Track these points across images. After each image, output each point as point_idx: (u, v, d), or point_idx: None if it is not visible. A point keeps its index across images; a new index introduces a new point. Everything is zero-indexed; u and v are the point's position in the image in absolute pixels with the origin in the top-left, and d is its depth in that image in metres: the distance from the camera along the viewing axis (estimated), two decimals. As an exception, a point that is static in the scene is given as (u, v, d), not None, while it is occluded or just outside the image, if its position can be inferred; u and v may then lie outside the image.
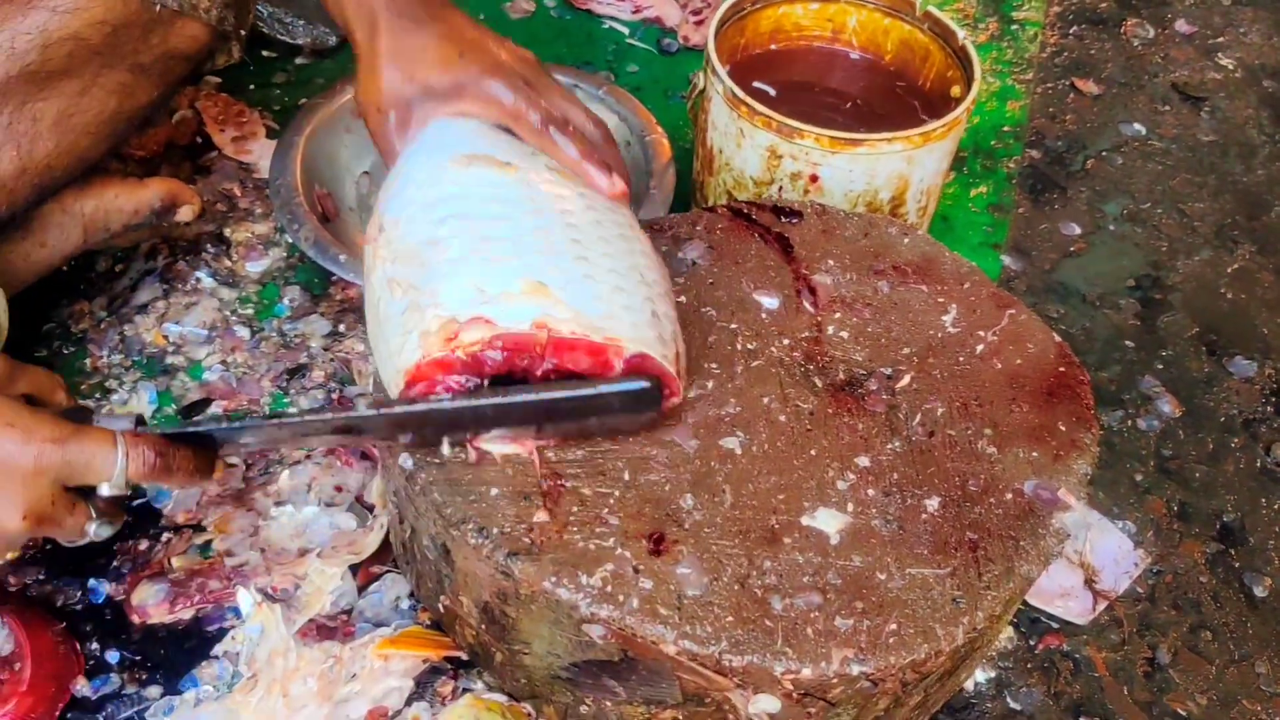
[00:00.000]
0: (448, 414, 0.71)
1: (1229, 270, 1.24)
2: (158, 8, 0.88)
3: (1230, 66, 1.50)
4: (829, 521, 0.73)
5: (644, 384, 0.71)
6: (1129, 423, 1.08)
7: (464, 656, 0.83)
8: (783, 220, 0.90)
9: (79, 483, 0.69)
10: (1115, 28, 1.55)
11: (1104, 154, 1.36)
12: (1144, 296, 1.20)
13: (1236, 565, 0.99)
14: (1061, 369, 0.82)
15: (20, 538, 0.69)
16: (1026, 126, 1.38)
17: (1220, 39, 1.54)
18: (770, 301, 0.85)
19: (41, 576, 0.88)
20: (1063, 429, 0.79)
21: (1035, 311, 1.14)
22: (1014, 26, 1.52)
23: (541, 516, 0.71)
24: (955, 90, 1.07)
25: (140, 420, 0.72)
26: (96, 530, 0.72)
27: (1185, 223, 1.29)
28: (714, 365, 0.80)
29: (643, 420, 0.74)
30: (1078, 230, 1.26)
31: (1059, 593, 0.94)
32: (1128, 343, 1.15)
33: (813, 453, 0.76)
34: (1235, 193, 1.33)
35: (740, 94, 0.98)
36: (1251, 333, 1.17)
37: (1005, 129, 1.37)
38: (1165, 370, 1.13)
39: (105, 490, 0.70)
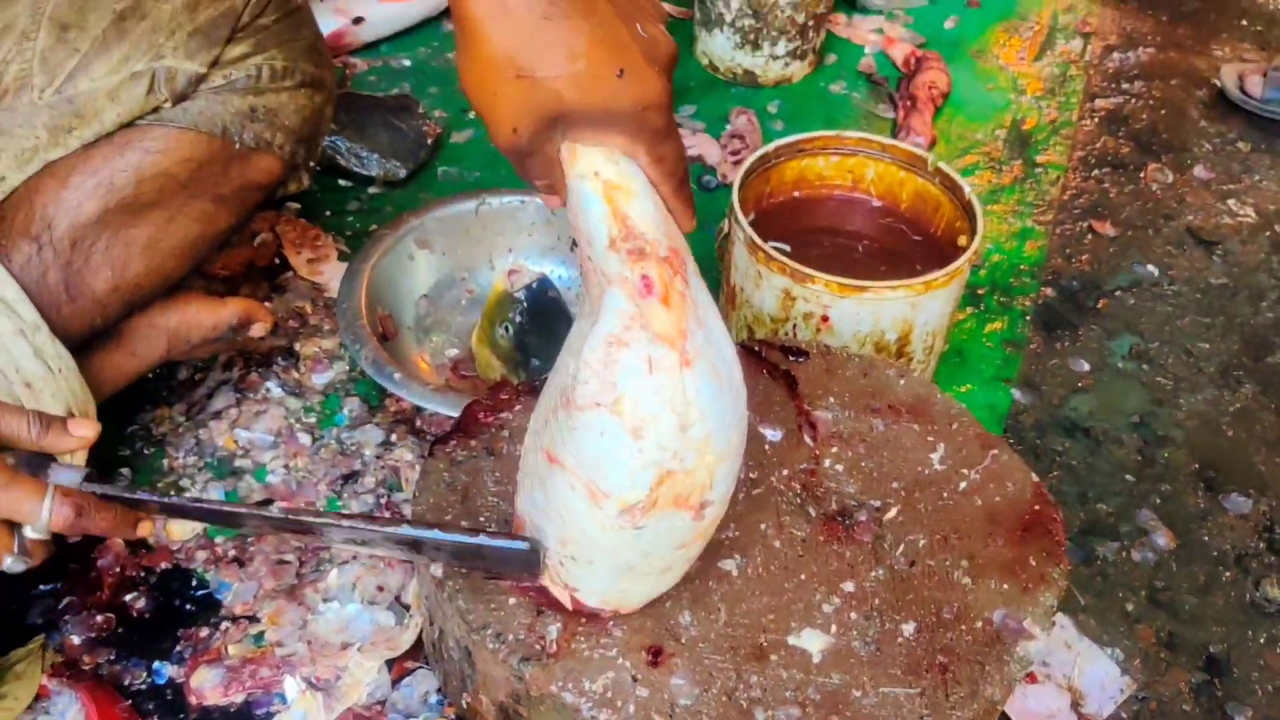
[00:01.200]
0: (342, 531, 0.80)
1: (1231, 409, 1.30)
2: (237, 145, 1.01)
3: (1245, 212, 1.57)
4: (813, 641, 0.81)
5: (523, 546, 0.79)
6: (1124, 554, 1.14)
7: (484, 749, 0.91)
8: (790, 359, 1.00)
9: (10, 519, 0.80)
10: (1136, 172, 1.63)
11: (1116, 294, 1.44)
12: (1147, 432, 1.27)
13: (1220, 695, 1.04)
14: (1037, 507, 0.90)
15: None
16: (1044, 266, 1.47)
17: (1236, 185, 1.62)
18: (773, 434, 0.94)
19: (112, 657, 0.98)
20: (1033, 563, 0.86)
21: (1041, 445, 1.23)
22: (1038, 170, 1.62)
23: (553, 626, 0.80)
24: (962, 240, 1.17)
25: (90, 474, 0.83)
26: (10, 564, 0.82)
27: (1191, 362, 1.36)
28: (717, 493, 0.89)
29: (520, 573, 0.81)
30: (1086, 367, 1.34)
31: (1045, 714, 1.00)
32: (1128, 476, 1.22)
33: (802, 577, 0.85)
34: (1242, 334, 1.40)
35: (758, 240, 1.08)
36: (1249, 470, 1.23)
37: (1023, 268, 1.46)
38: (1163, 504, 1.19)
39: (29, 532, 0.81)
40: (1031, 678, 1.02)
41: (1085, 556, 1.14)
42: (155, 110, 0.96)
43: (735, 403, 0.74)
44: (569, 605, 0.79)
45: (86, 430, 0.86)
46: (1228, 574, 1.14)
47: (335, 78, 1.12)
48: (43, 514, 0.79)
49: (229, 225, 1.04)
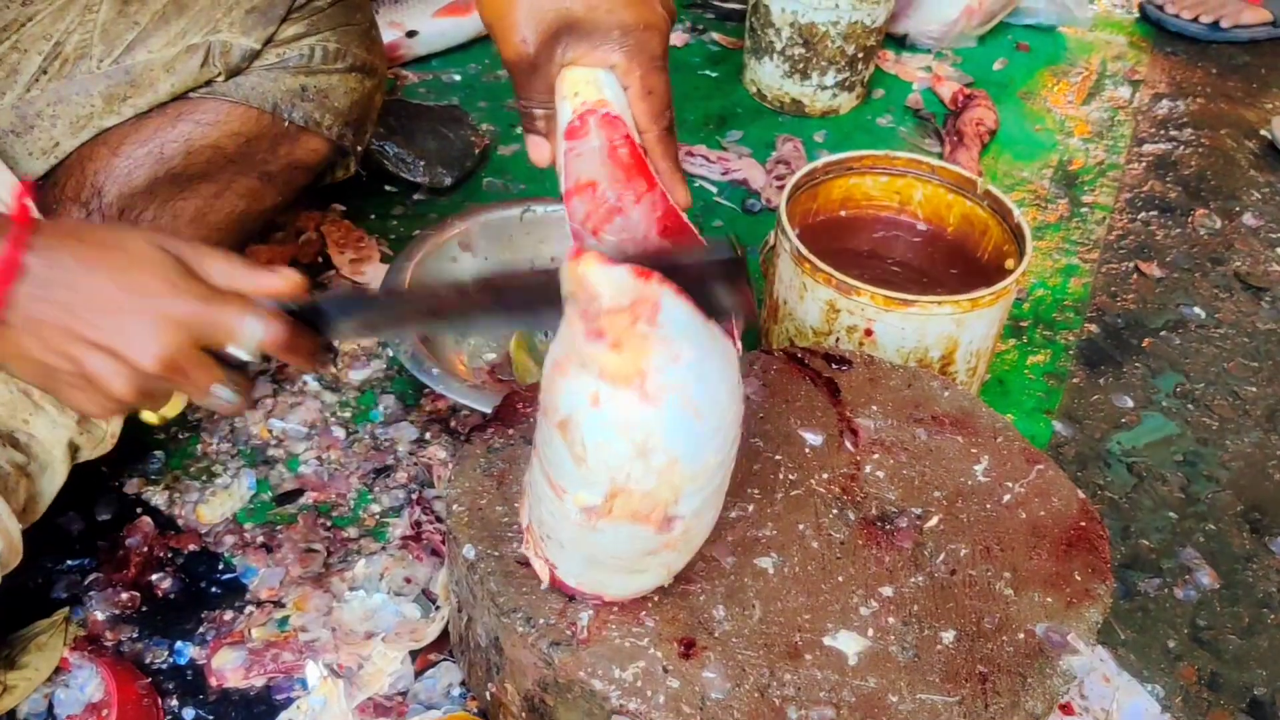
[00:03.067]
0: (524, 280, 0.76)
1: (1278, 453, 1.28)
2: (286, 123, 1.02)
3: (1294, 260, 1.56)
4: (849, 643, 0.79)
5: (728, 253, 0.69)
6: (1166, 590, 1.12)
7: (505, 744, 0.89)
8: (833, 367, 0.98)
9: (214, 341, 0.71)
10: (1183, 216, 1.62)
11: (1162, 334, 1.42)
12: (1191, 471, 1.24)
13: (1264, 738, 1.01)
14: (1083, 523, 0.88)
15: (150, 382, 0.71)
16: (1088, 302, 1.45)
17: (1286, 234, 1.61)
18: (814, 438, 0.92)
19: (134, 635, 0.98)
20: (1078, 578, 0.84)
21: (1082, 477, 1.21)
22: (1084, 209, 1.60)
23: (585, 614, 0.78)
24: (1009, 263, 1.15)
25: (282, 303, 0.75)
26: (223, 393, 0.73)
27: (1237, 405, 1.33)
28: (756, 491, 0.88)
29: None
30: (1130, 403, 1.32)
31: (1082, 747, 0.97)
32: (1171, 514, 1.19)
33: (840, 579, 0.83)
34: (1290, 380, 1.37)
35: (804, 251, 1.08)
36: (1297, 515, 1.21)
37: (1067, 303, 1.44)
38: (1206, 543, 1.17)
39: (235, 351, 0.72)
40: (1068, 709, 0.99)
41: (1126, 591, 1.11)
42: (208, 84, 0.97)
43: (718, 428, 0.72)
44: (546, 580, 0.79)
45: (287, 279, 0.75)
46: (1272, 617, 1.10)
47: (386, 66, 1.13)
48: (249, 329, 0.71)
49: (275, 204, 1.05)
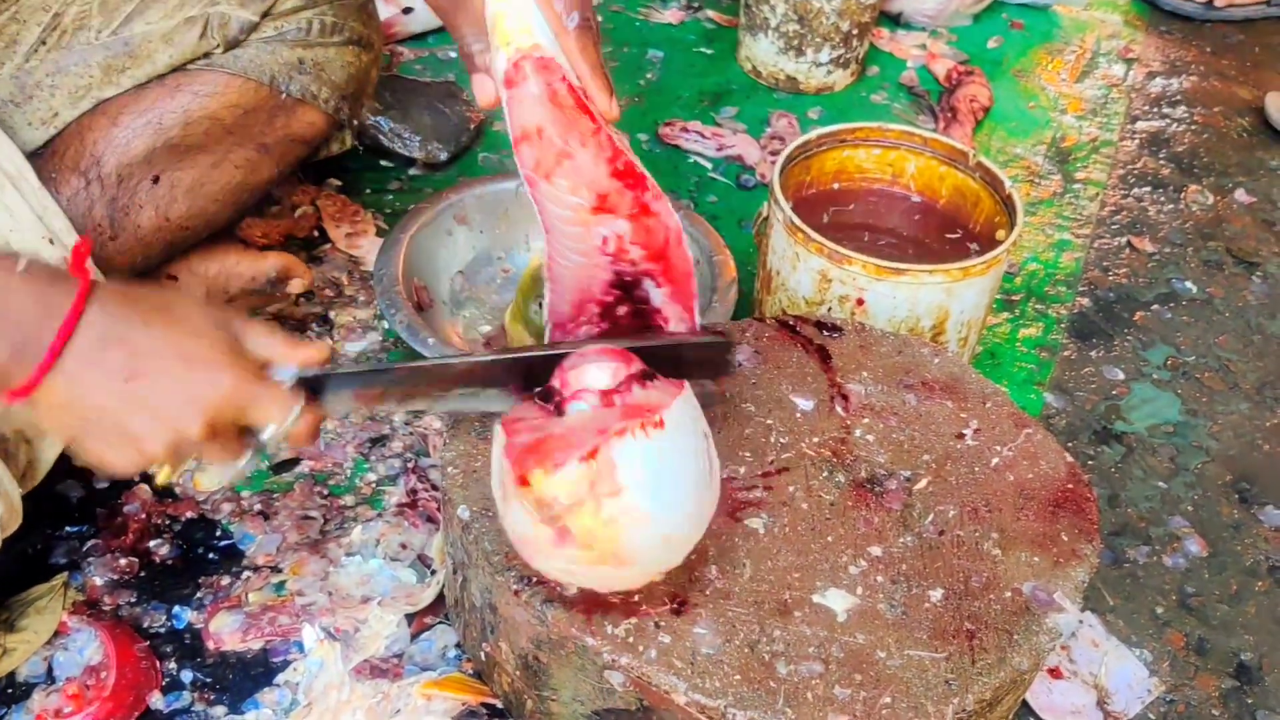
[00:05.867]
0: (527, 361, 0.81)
1: (1267, 425, 1.29)
2: (284, 95, 1.02)
3: (1285, 236, 1.57)
4: (838, 601, 0.80)
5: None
6: (1155, 558, 1.13)
7: (499, 705, 0.90)
8: (824, 334, 0.99)
9: (253, 419, 0.75)
10: (1176, 193, 1.63)
11: (1153, 307, 1.43)
12: (1180, 442, 1.25)
13: (1250, 702, 1.02)
14: (1070, 486, 0.89)
15: (187, 447, 0.73)
16: (1080, 276, 1.46)
17: (1278, 211, 1.61)
18: (805, 403, 0.93)
19: (133, 600, 0.99)
20: (1065, 539, 0.85)
21: (1072, 448, 1.22)
22: (1076, 185, 1.61)
23: (578, 572, 0.79)
24: (1001, 234, 1.16)
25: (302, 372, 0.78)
26: (244, 463, 0.78)
27: (1228, 377, 1.34)
28: (747, 454, 0.89)
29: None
30: (1120, 375, 1.33)
31: (1070, 710, 0.98)
32: (1160, 484, 1.20)
33: (829, 539, 0.84)
34: (1280, 354, 1.38)
35: (797, 221, 1.09)
36: (1285, 485, 1.22)
37: (1059, 277, 1.45)
38: (1195, 512, 1.18)
39: (266, 435, 0.77)
40: (1056, 672, 1.00)
41: (1114, 558, 1.12)
42: (206, 55, 0.98)
43: (680, 513, 0.77)
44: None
45: (322, 349, 0.80)
46: (1260, 584, 1.12)
47: (383, 40, 1.14)
48: (288, 420, 0.76)
49: (271, 176, 1.06)
